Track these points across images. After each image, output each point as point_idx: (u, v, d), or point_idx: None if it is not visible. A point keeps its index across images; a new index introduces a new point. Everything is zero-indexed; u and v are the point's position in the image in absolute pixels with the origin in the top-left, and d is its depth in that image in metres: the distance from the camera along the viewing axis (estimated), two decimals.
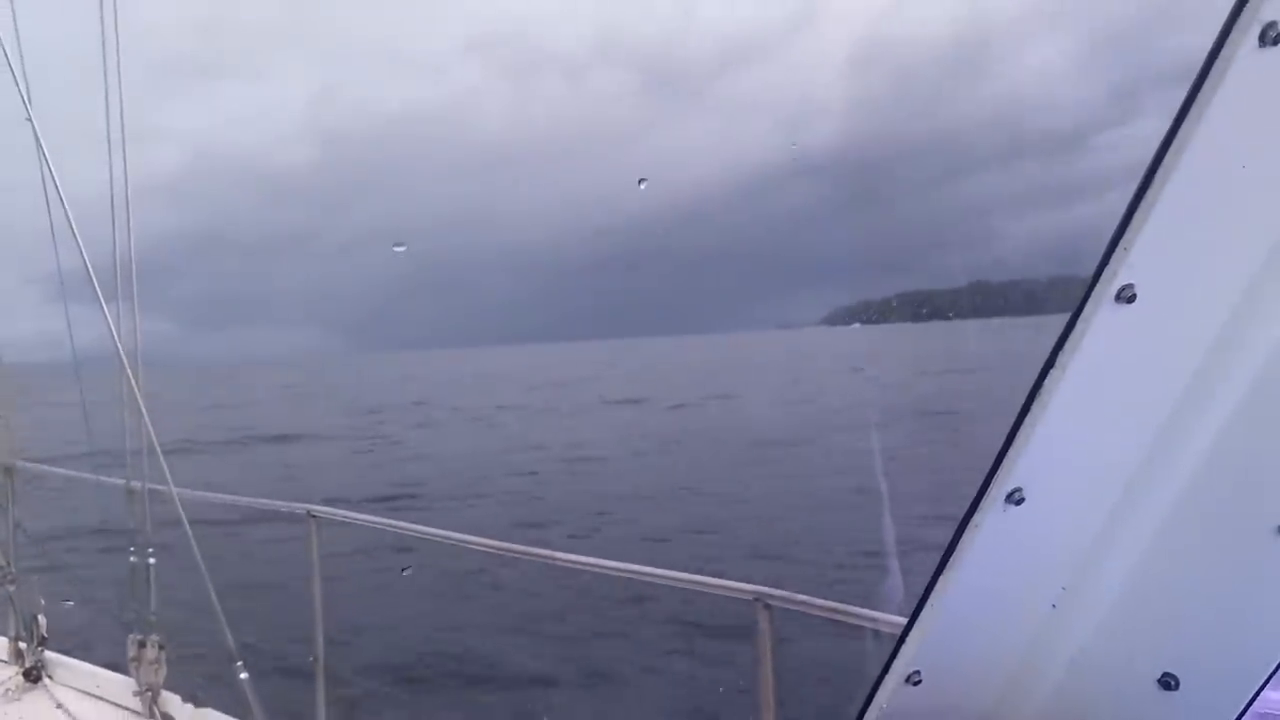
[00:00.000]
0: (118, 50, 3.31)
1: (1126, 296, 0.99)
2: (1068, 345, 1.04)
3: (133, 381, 3.61)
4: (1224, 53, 0.90)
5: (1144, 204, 0.97)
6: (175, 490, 3.61)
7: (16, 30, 3.34)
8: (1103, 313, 1.01)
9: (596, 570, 2.97)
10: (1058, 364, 1.04)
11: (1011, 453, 1.09)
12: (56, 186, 3.37)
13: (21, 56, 3.35)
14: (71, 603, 4.15)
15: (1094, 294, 1.01)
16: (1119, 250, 0.99)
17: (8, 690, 4.02)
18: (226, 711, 3.68)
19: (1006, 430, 1.11)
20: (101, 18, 3.31)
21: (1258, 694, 1.09)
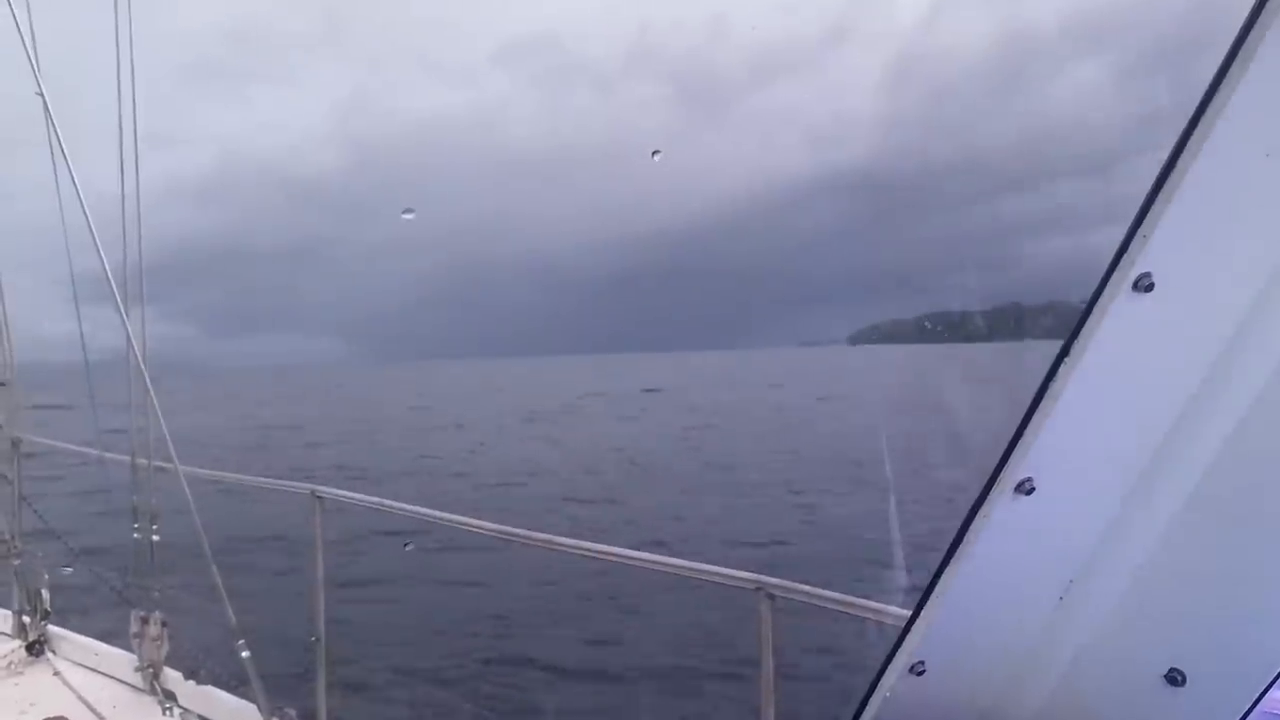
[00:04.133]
0: (131, 57, 3.36)
1: (1144, 285, 0.97)
2: (1082, 334, 1.01)
3: (139, 359, 3.60)
4: (1253, 34, 0.88)
5: (1164, 191, 0.94)
6: (180, 468, 3.61)
7: (27, 36, 3.37)
8: (1119, 301, 0.98)
9: (597, 556, 2.95)
10: (1072, 353, 1.02)
11: (1023, 442, 1.07)
12: (70, 170, 3.40)
13: (35, 57, 3.39)
14: (70, 569, 4.17)
15: (1111, 282, 0.99)
16: (1137, 238, 0.97)
17: (11, 663, 4.04)
18: (227, 689, 3.69)
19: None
20: (116, 27, 3.36)
21: (1265, 692, 1.08)
